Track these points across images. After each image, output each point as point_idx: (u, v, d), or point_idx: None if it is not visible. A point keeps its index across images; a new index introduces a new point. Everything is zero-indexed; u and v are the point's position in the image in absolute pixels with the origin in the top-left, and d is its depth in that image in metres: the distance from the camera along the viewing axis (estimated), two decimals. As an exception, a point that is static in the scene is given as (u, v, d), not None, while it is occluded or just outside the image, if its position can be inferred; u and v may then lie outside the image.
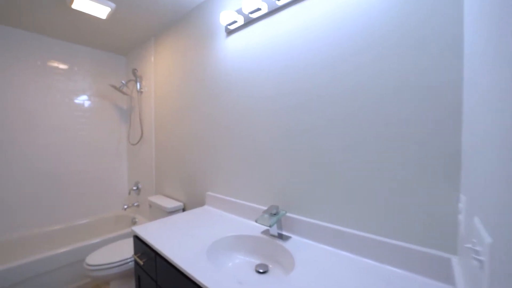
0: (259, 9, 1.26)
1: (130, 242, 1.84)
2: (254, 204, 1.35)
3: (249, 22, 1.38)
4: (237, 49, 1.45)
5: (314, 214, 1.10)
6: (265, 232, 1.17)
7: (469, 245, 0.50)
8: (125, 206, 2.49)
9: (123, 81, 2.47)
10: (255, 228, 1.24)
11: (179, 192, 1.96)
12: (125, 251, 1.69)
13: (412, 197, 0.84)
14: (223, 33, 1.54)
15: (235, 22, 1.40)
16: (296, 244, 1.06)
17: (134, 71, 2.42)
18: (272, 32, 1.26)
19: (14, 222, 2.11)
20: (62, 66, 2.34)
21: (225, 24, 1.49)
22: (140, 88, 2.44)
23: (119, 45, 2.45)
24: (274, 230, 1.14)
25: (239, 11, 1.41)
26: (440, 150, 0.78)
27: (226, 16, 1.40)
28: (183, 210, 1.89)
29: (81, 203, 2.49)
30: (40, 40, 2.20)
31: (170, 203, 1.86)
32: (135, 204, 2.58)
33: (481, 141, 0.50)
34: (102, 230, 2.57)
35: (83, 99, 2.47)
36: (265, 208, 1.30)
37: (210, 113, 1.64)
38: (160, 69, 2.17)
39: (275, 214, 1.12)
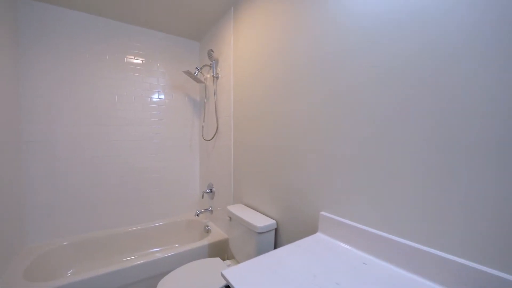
0: None
1: (207, 266, 1.44)
2: (423, 246, 0.71)
3: None
4: (372, 12, 0.82)
5: None
6: None
7: None
8: (198, 212, 2.16)
9: (197, 67, 2.13)
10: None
11: (268, 205, 1.46)
12: (203, 282, 1.28)
13: None
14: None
15: None
16: None
17: (209, 53, 2.04)
18: None
19: (85, 222, 2.00)
20: (137, 58, 2.14)
21: None
22: (216, 72, 2.06)
23: (193, 26, 2.12)
24: None
25: None
26: None
27: None
28: (276, 230, 1.38)
29: (151, 203, 2.28)
30: (118, 29, 2.03)
31: (259, 220, 1.37)
32: (209, 209, 2.23)
33: None
34: (173, 236, 2.32)
35: (156, 91, 2.25)
36: (441, 254, 0.64)
37: (325, 103, 1.05)
38: (241, 46, 1.71)
39: None
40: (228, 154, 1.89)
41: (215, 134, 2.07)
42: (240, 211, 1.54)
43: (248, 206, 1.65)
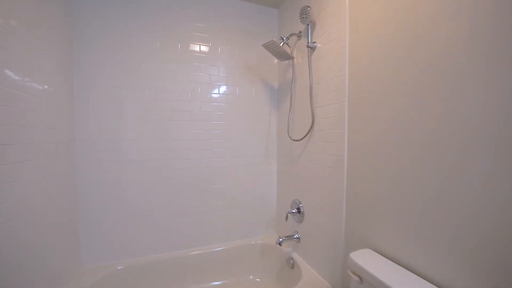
0: None
1: None
2: None
3: None
4: None
5: None
6: None
7: None
8: (280, 239, 1.56)
9: (283, 36, 1.50)
10: None
11: (443, 261, 0.73)
12: None
13: None
14: None
15: None
16: None
17: (303, 11, 1.38)
18: None
19: (139, 241, 1.59)
20: (202, 43, 1.65)
21: None
22: (312, 40, 1.40)
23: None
24: None
25: None
26: None
27: None
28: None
29: (216, 220, 1.77)
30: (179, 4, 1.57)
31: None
32: (295, 236, 1.60)
33: None
34: (245, 263, 1.78)
35: (220, 81, 1.72)
36: None
37: None
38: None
39: None
40: (338, 162, 1.22)
41: (308, 132, 1.42)
42: (380, 268, 0.85)
43: (387, 257, 0.95)
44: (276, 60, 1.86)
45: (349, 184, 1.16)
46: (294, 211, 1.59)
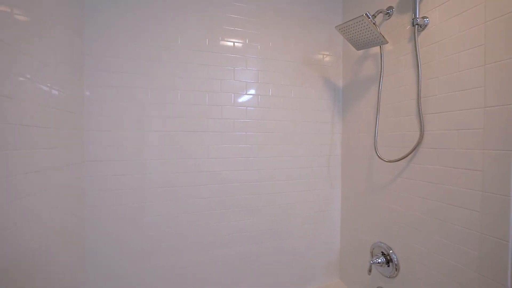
0: None
1: None
2: None
3: None
4: None
5: None
6: None
7: None
8: (365, 303, 1.10)
9: (368, 13, 1.05)
10: None
11: None
12: None
13: None
14: None
15: None
16: None
17: None
18: None
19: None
20: (236, 40, 1.24)
21: None
22: (421, 15, 0.95)
23: None
24: None
25: None
26: None
27: None
28: None
29: (259, 264, 1.32)
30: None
31: None
32: (383, 299, 1.13)
33: None
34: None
35: (264, 83, 1.30)
36: None
37: None
38: None
39: None
40: (491, 202, 0.74)
41: (413, 150, 0.96)
42: None
43: None
44: (340, 52, 1.42)
45: (521, 243, 0.68)
46: (379, 260, 1.12)
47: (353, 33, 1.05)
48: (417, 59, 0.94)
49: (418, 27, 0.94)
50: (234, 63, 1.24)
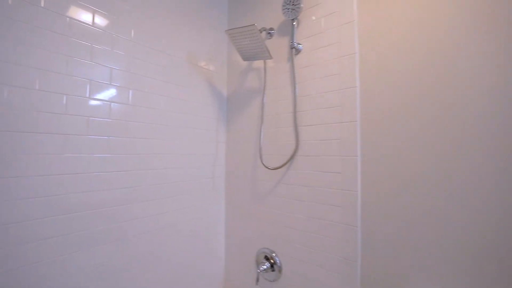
0: None
1: None
2: None
3: None
4: None
5: None
6: None
7: None
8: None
9: (267, 29, 1.06)
10: None
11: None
12: None
13: None
14: None
15: None
16: None
17: (293, 0, 1.05)
18: None
19: None
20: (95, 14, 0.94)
21: None
22: (297, 41, 1.09)
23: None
24: None
25: None
26: None
27: None
28: None
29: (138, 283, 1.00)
30: None
31: None
32: (269, 304, 1.14)
33: None
34: None
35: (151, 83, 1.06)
36: None
37: None
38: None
39: None
40: (347, 198, 0.93)
41: (290, 158, 1.07)
42: None
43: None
44: (225, 60, 1.40)
45: (365, 228, 0.90)
46: (265, 266, 1.14)
47: (241, 42, 1.05)
48: (293, 78, 1.08)
49: (294, 51, 1.08)
50: (93, 39, 0.88)
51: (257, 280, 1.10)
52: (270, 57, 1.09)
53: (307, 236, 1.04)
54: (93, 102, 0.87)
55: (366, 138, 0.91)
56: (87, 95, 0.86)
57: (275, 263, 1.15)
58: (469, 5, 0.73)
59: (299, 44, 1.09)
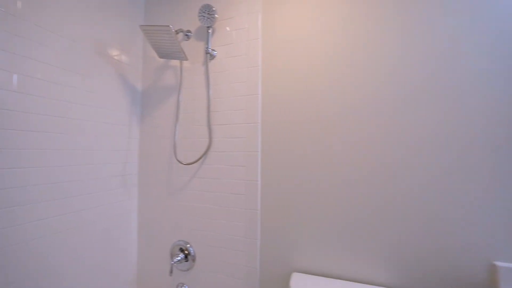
0: None
1: None
2: None
3: None
4: None
5: None
6: None
7: None
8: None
9: (172, 27, 1.10)
10: None
11: (367, 262, 0.94)
12: None
13: None
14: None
15: None
16: None
17: (208, 9, 1.13)
18: None
19: None
20: None
21: None
22: (211, 48, 1.19)
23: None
24: None
25: None
26: None
27: None
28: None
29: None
30: None
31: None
32: (181, 292, 1.19)
33: None
34: None
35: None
36: None
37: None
38: (284, 14, 1.09)
39: None
40: (250, 187, 1.10)
41: (204, 154, 1.17)
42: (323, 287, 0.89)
43: (316, 274, 1.00)
44: (140, 54, 1.36)
45: (264, 210, 1.10)
46: (179, 258, 1.19)
47: (156, 40, 1.07)
48: (208, 81, 1.18)
49: (209, 56, 1.19)
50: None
51: (171, 271, 1.15)
52: (186, 59, 1.16)
53: (218, 223, 1.16)
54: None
55: (266, 136, 1.10)
56: None
57: (189, 253, 1.22)
58: (351, 22, 1.01)
59: (213, 50, 1.20)
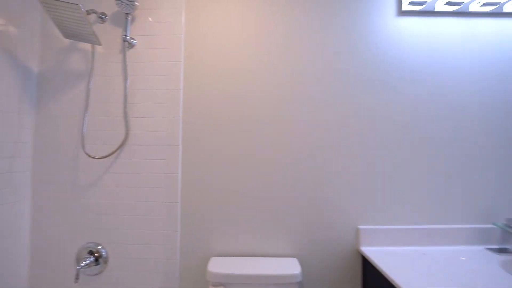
0: (459, 4, 1.12)
1: None
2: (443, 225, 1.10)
3: (430, 12, 1.16)
4: (416, 36, 1.15)
5: None
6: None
7: None
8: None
9: (83, 6, 0.97)
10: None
11: (275, 241, 1.11)
12: None
13: None
14: (392, 10, 1.16)
15: (423, 3, 1.12)
16: None
17: None
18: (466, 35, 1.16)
19: None
20: None
21: (407, 2, 1.13)
22: (130, 37, 1.12)
23: None
24: None
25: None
26: None
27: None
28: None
29: None
30: None
31: (280, 265, 1.01)
32: (89, 298, 1.07)
33: None
34: None
35: None
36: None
37: (375, 108, 1.13)
38: (206, 14, 1.15)
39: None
40: (170, 180, 1.11)
41: (120, 147, 1.10)
42: (239, 266, 1.00)
43: (234, 256, 1.11)
44: (37, 30, 1.15)
45: (184, 202, 1.13)
46: (87, 261, 1.08)
47: (61, 17, 0.95)
48: (125, 70, 1.12)
49: (127, 44, 1.13)
50: None
51: (77, 278, 1.03)
52: (99, 43, 1.06)
53: (135, 219, 1.12)
54: None
55: (187, 130, 1.14)
56: None
57: (100, 256, 1.12)
58: (272, 25, 1.14)
59: (132, 39, 1.14)
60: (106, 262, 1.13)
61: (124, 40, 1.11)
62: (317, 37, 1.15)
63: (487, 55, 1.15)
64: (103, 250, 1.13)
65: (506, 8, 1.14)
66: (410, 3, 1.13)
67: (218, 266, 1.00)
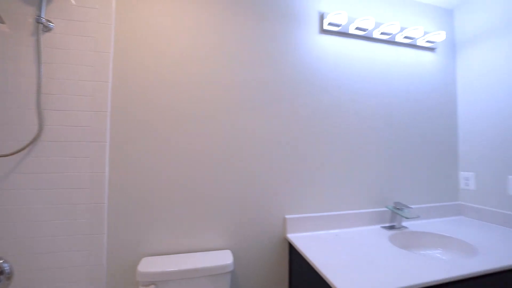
0: (365, 30, 1.39)
1: None
2: (353, 210, 1.34)
3: (345, 34, 1.40)
4: (333, 51, 1.36)
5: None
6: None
7: None
8: None
9: None
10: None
11: (205, 236, 1.14)
12: None
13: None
14: (315, 28, 1.34)
15: (339, 25, 1.34)
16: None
17: None
18: (369, 56, 1.44)
19: None
20: None
21: (326, 22, 1.32)
22: (45, 19, 0.98)
23: None
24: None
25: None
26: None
27: (335, 16, 1.29)
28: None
29: None
30: None
31: (213, 257, 1.05)
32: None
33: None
34: None
35: None
36: (367, 210, 1.36)
37: (296, 112, 1.27)
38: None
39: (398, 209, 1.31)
40: (96, 180, 1.03)
41: (31, 143, 0.96)
42: (171, 264, 1.00)
43: (167, 254, 1.09)
44: None
45: (112, 203, 1.06)
46: (-19, 278, 0.91)
47: None
48: (39, 57, 0.99)
49: (42, 27, 0.99)
50: None
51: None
52: (2, 21, 0.91)
53: (51, 225, 1.00)
54: None
55: (116, 126, 1.07)
56: None
57: (2, 272, 0.96)
58: (205, 21, 1.15)
59: (49, 21, 1.01)
60: (9, 278, 0.97)
61: (38, 22, 0.97)
62: (247, 42, 1.24)
63: (385, 75, 1.44)
64: (5, 265, 0.97)
65: (397, 38, 1.46)
66: (329, 24, 1.34)
67: (149, 265, 0.98)
